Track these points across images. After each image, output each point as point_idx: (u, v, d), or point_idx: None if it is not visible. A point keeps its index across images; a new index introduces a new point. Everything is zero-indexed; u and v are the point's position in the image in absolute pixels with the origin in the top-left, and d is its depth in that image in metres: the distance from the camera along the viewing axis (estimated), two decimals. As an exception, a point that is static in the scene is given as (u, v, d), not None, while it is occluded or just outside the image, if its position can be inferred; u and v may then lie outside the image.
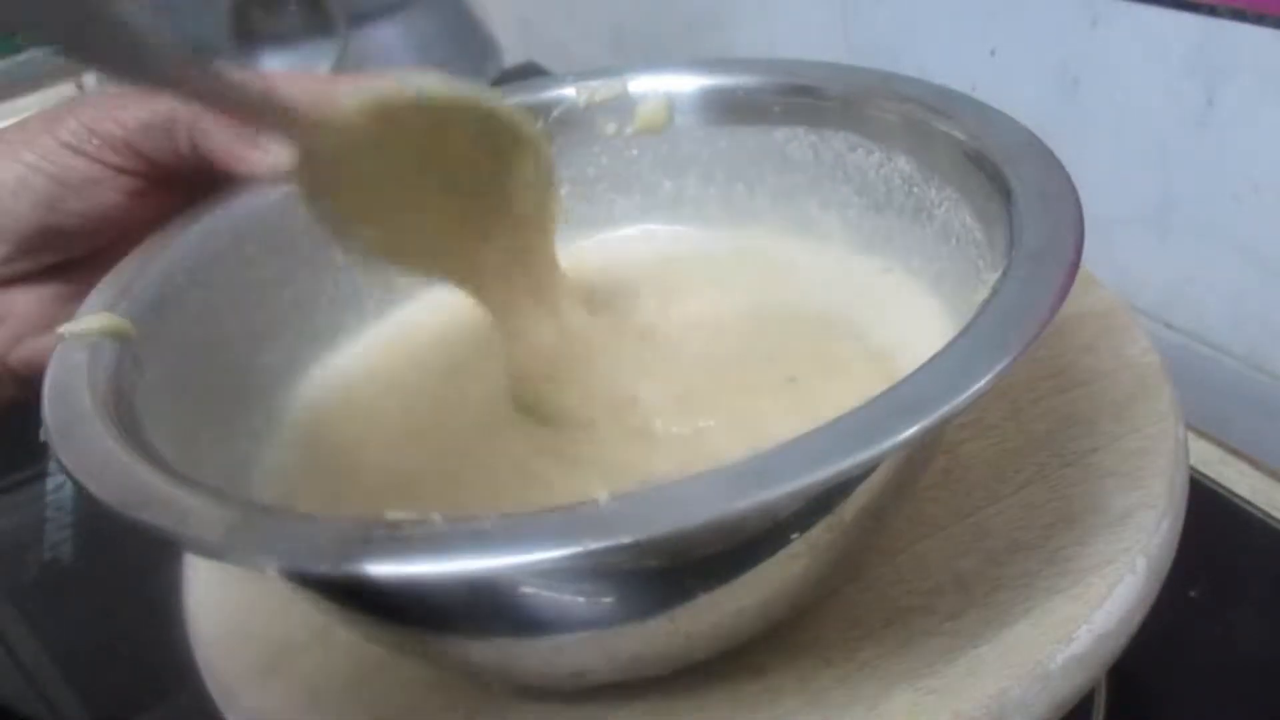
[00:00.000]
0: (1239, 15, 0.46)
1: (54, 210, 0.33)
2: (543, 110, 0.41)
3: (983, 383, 0.22)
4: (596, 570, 0.24)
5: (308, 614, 0.32)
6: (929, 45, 0.63)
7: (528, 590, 0.24)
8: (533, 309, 0.35)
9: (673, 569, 0.24)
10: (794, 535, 0.24)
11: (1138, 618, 0.30)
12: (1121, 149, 0.53)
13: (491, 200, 0.33)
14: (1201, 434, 0.48)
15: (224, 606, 0.34)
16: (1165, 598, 0.31)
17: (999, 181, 0.30)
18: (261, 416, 0.35)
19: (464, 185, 0.33)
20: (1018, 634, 0.29)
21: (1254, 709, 0.38)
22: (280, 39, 0.79)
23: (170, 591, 0.35)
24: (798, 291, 0.38)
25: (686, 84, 0.41)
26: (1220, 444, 0.48)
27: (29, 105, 0.77)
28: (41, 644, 0.49)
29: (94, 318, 0.30)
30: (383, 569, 0.21)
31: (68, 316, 0.30)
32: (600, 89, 0.41)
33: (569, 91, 0.41)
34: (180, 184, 0.35)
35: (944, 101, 0.34)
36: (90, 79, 0.78)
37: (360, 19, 0.81)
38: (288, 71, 0.40)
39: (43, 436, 0.26)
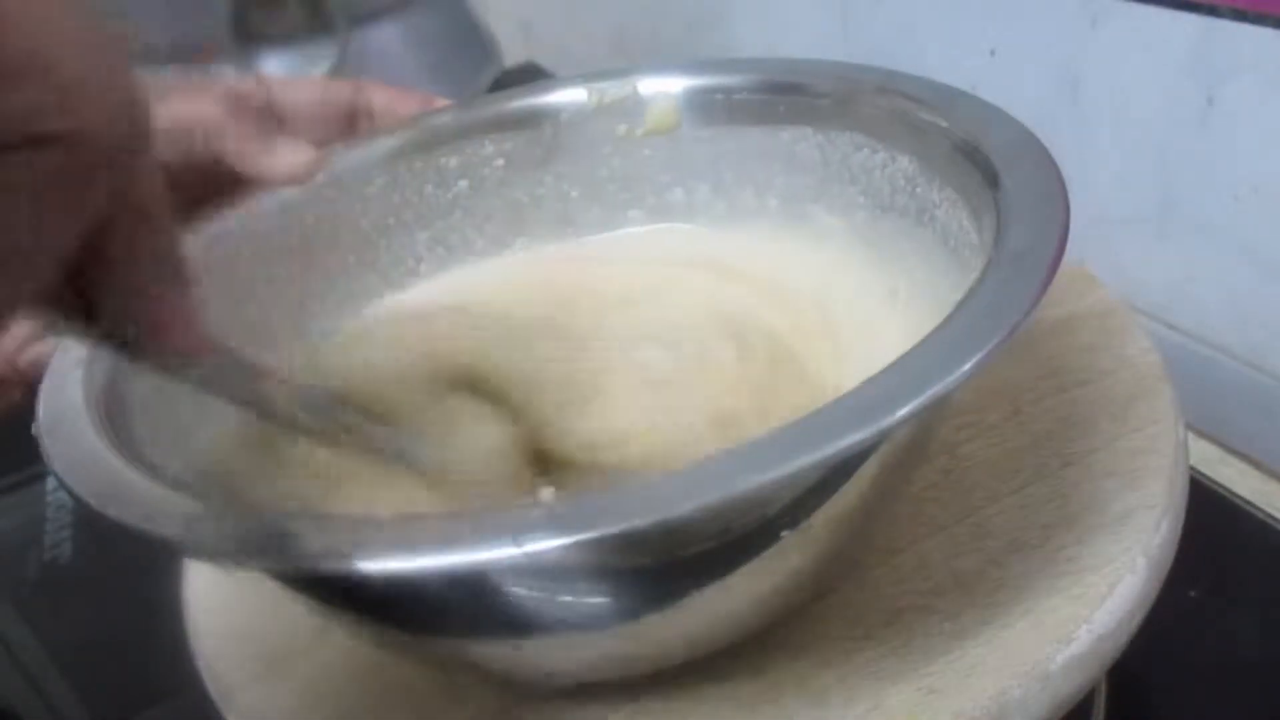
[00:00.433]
0: (1239, 15, 0.46)
1: None
2: (552, 112, 0.41)
3: (939, 387, 0.22)
4: (583, 569, 0.24)
5: (307, 614, 0.32)
6: (929, 45, 0.63)
7: (515, 589, 0.24)
8: None
9: (657, 564, 0.24)
10: (783, 532, 0.24)
11: (1138, 618, 0.30)
12: (1121, 149, 0.53)
13: None
14: (1201, 434, 0.48)
15: (224, 606, 0.34)
16: (1165, 598, 0.31)
17: (991, 179, 0.30)
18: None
19: None
20: (1018, 634, 0.29)
21: (1254, 709, 0.38)
22: (280, 39, 0.79)
23: (170, 591, 0.35)
24: (799, 292, 0.38)
25: (693, 84, 0.41)
26: (1220, 444, 0.48)
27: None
28: (41, 644, 0.49)
29: None
30: (330, 565, 0.21)
31: None
32: (610, 90, 0.41)
33: (579, 93, 0.41)
34: (194, 187, 0.35)
35: (944, 99, 0.34)
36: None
37: (360, 19, 0.81)
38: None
39: (34, 430, 0.26)
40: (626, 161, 0.42)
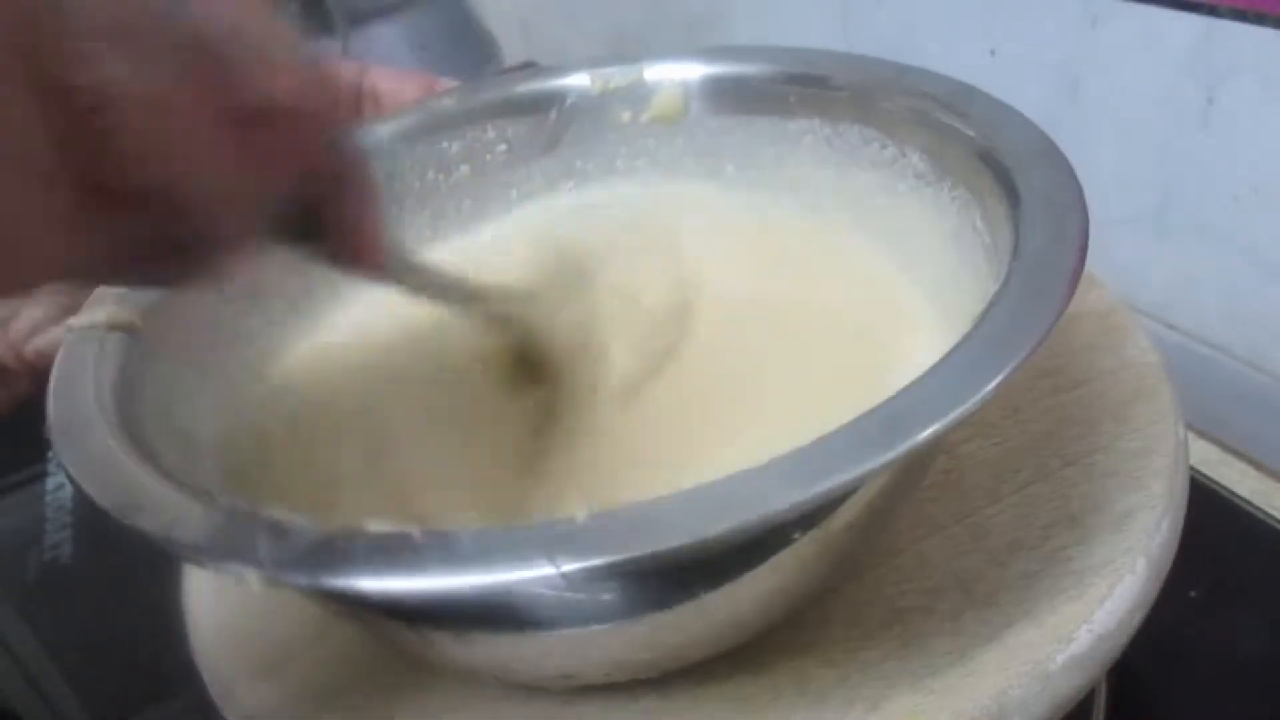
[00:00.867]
0: (1239, 15, 0.46)
1: None
2: (557, 97, 0.41)
3: (971, 404, 0.22)
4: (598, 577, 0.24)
5: (307, 614, 0.32)
6: (929, 45, 0.63)
7: (523, 594, 0.24)
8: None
9: (670, 571, 0.24)
10: (795, 535, 0.24)
11: (1138, 618, 0.30)
12: (1121, 149, 0.53)
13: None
14: (1201, 434, 0.48)
15: (224, 606, 0.34)
16: (1165, 598, 0.31)
17: (1006, 183, 0.30)
18: (261, 405, 0.35)
19: None
20: (1018, 634, 0.29)
21: (1254, 709, 0.38)
22: (280, 39, 0.79)
23: (170, 591, 0.35)
24: (807, 285, 0.38)
25: (701, 72, 0.40)
26: (1220, 444, 0.48)
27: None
28: (41, 644, 0.49)
29: (101, 310, 0.30)
30: (359, 583, 0.21)
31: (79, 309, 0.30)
32: (615, 76, 0.41)
33: (584, 79, 0.41)
34: None
35: (959, 98, 0.34)
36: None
37: (360, 19, 0.81)
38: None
39: (46, 432, 0.26)
40: (630, 148, 0.42)
